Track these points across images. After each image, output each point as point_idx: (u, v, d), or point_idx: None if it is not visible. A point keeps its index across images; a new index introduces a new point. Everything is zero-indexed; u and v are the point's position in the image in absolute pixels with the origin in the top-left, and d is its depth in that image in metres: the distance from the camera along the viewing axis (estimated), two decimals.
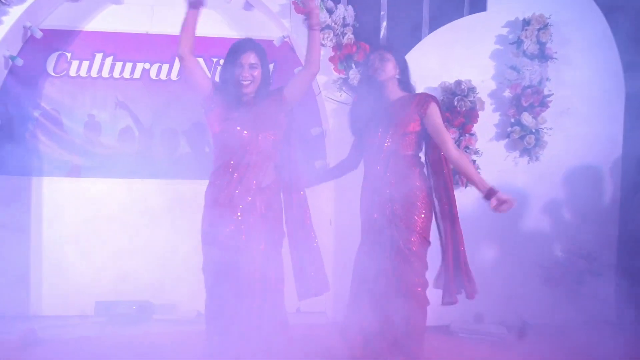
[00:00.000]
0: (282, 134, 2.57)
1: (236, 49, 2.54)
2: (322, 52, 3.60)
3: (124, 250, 3.72)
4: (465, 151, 3.51)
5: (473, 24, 3.65)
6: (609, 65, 3.71)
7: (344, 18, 3.58)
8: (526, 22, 3.56)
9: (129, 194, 3.77)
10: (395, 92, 2.66)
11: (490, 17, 3.66)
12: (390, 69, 2.64)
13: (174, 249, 3.74)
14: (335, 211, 3.75)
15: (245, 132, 2.46)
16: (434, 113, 2.58)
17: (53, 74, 3.72)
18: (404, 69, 2.69)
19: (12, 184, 3.68)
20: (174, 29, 3.66)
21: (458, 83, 3.51)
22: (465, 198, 3.50)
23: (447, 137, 2.59)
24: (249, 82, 2.49)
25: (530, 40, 3.52)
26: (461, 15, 3.81)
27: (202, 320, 3.61)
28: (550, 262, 3.67)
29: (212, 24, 3.78)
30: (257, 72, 2.52)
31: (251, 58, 2.51)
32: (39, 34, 3.60)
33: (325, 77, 3.67)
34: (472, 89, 3.51)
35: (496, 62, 3.65)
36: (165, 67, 3.80)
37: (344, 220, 3.64)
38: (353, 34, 3.61)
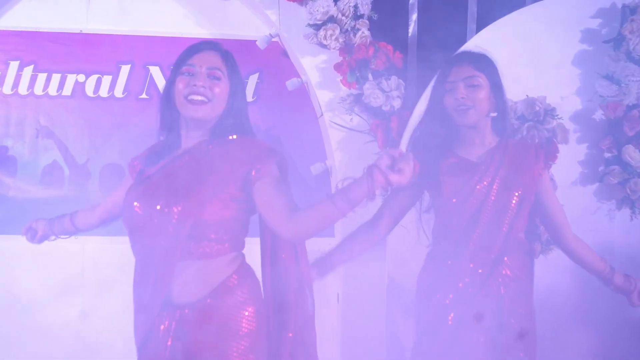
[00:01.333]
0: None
1: (187, 52, 1.69)
2: (324, 58, 2.71)
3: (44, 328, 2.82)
4: None
5: (544, 15, 2.69)
6: None
7: (355, 6, 2.60)
8: (631, 10, 2.59)
9: (57, 255, 2.83)
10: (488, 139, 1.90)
11: (570, 3, 2.69)
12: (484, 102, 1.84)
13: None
14: (343, 285, 2.80)
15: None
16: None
17: None
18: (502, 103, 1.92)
19: None
20: (119, 26, 2.84)
21: (528, 102, 2.49)
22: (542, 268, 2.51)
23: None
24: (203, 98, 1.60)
25: (637, 36, 2.54)
26: (523, 4, 2.87)
27: None
28: None
29: (171, 20, 2.92)
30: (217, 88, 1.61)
31: (212, 61, 1.63)
32: None
33: (331, 92, 2.73)
34: (550, 111, 2.51)
35: (582, 69, 2.68)
36: (107, 79, 2.91)
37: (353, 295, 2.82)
38: (369, 29, 2.64)
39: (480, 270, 1.83)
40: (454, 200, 1.83)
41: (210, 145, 1.60)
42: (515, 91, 2.53)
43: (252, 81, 2.91)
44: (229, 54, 1.68)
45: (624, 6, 2.60)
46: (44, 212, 2.78)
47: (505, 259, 1.85)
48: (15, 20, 2.85)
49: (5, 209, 2.87)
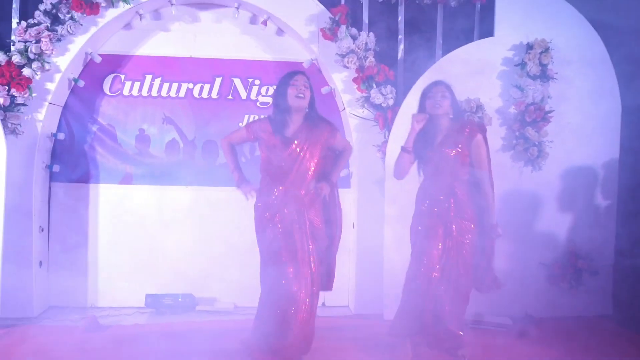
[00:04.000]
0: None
1: (292, 74, 3.26)
2: (346, 74, 4.41)
3: (170, 248, 4.50)
4: None
5: (482, 48, 4.35)
6: (605, 83, 4.39)
7: (366, 43, 4.33)
8: (529, 46, 4.26)
9: (175, 199, 4.56)
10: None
11: (497, 41, 4.36)
12: (447, 107, 3.39)
13: (214, 248, 4.53)
14: (357, 215, 4.48)
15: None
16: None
17: (109, 93, 4.53)
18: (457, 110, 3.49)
19: (73, 190, 4.50)
20: (215, 53, 4.59)
21: (468, 101, 4.22)
22: None
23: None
24: (302, 96, 3.18)
25: (533, 62, 4.22)
26: (471, 40, 4.51)
27: (239, 311, 4.40)
28: (552, 261, 4.36)
29: (247, 48, 4.58)
30: (308, 92, 3.23)
31: (304, 80, 3.22)
32: (98, 59, 4.41)
33: (350, 95, 4.43)
34: (480, 106, 4.22)
35: (502, 81, 4.35)
36: (207, 87, 4.58)
37: (366, 223, 4.41)
38: (374, 57, 4.34)
39: (441, 197, 3.39)
40: (432, 162, 3.41)
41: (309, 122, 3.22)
42: (461, 94, 4.15)
43: None
44: (308, 77, 3.25)
45: (526, 43, 4.26)
46: (167, 171, 4.55)
47: (456, 189, 3.38)
48: (150, 49, 4.52)
49: (142, 170, 4.55)
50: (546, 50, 4.25)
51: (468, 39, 4.54)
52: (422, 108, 3.46)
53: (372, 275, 4.34)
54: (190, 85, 4.57)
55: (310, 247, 3.19)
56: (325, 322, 4.11)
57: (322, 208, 3.32)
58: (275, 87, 3.37)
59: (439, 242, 3.37)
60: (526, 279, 4.37)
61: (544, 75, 4.26)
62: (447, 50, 4.48)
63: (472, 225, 3.40)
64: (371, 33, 4.37)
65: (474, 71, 4.30)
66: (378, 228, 4.30)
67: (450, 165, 3.37)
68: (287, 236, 3.15)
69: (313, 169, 3.20)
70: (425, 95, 3.44)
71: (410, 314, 3.42)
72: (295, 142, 3.17)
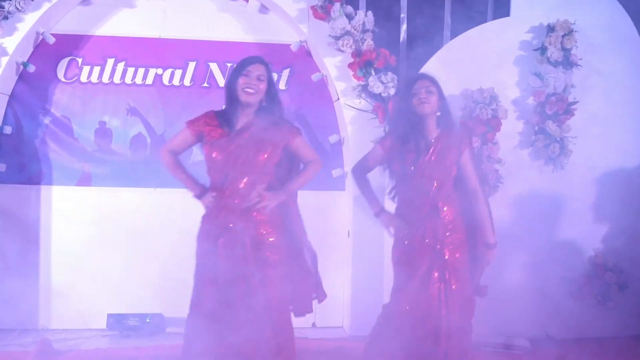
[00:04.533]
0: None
1: (246, 62, 2.73)
2: (340, 59, 3.93)
3: (136, 261, 3.99)
4: (488, 160, 3.80)
5: (496, 30, 3.96)
6: (636, 72, 4.01)
7: (363, 24, 3.85)
8: (550, 28, 3.88)
9: (142, 203, 4.05)
10: (432, 132, 2.89)
11: (513, 22, 3.97)
12: (434, 103, 2.86)
13: (187, 261, 3.93)
14: (353, 221, 4.00)
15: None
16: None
17: (64, 79, 4.00)
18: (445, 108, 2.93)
19: (21, 193, 3.97)
20: (187, 33, 4.07)
21: (480, 91, 3.80)
22: (493, 206, 3.74)
23: None
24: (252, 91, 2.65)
25: (554, 46, 3.83)
26: (484, 21, 4.14)
27: None
28: (576, 274, 3.97)
29: (226, 28, 4.10)
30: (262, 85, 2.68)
31: (260, 70, 2.67)
32: (51, 40, 3.88)
33: (344, 83, 3.96)
34: (494, 97, 3.81)
35: (520, 68, 3.97)
36: (178, 72, 4.09)
37: (362, 231, 3.94)
38: (373, 40, 3.88)
39: (424, 219, 2.81)
40: (409, 169, 2.85)
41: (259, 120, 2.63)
42: (472, 83, 3.83)
43: (285, 74, 4.13)
44: (269, 65, 2.69)
45: (547, 25, 3.87)
46: (132, 171, 4.04)
47: (439, 204, 2.82)
48: (112, 28, 4.02)
49: (103, 169, 4.05)
50: (569, 32, 3.85)
51: (480, 19, 4.16)
52: (402, 109, 2.93)
53: (370, 291, 3.87)
54: (159, 71, 4.08)
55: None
56: (315, 345, 3.73)
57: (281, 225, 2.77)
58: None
59: (426, 273, 2.86)
60: (546, 295, 3.97)
61: (567, 62, 3.87)
62: (456, 32, 4.12)
63: (464, 246, 2.91)
64: (369, 12, 3.92)
65: (487, 56, 3.93)
66: (377, 236, 3.81)
67: (437, 179, 2.86)
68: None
69: (262, 166, 2.68)
70: (406, 93, 2.91)
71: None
72: (243, 136, 2.66)
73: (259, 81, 2.66)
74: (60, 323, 3.99)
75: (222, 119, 2.70)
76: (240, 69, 2.69)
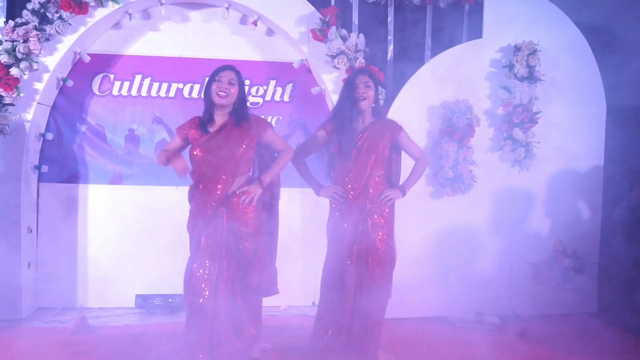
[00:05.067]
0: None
1: (218, 70, 3.07)
2: (336, 75, 4.41)
3: (161, 248, 4.45)
4: (463, 162, 4.24)
5: (470, 50, 4.37)
6: (591, 85, 4.43)
7: (356, 45, 4.33)
8: (517, 48, 4.28)
9: (165, 199, 4.52)
10: (367, 119, 3.28)
11: (485, 43, 4.39)
12: (371, 97, 3.24)
13: None
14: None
15: None
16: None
17: (98, 93, 4.48)
18: (378, 99, 3.36)
19: (62, 191, 4.45)
20: (205, 52, 4.56)
21: (457, 102, 4.24)
22: (468, 202, 4.27)
23: None
24: (224, 94, 2.96)
25: (520, 64, 4.25)
26: (460, 42, 4.52)
27: None
28: (539, 260, 4.40)
29: (238, 48, 4.55)
30: (232, 89, 2.99)
31: (230, 75, 3.00)
32: (87, 59, 4.36)
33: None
34: (469, 108, 4.23)
35: (490, 83, 4.38)
36: (197, 86, 4.56)
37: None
38: (364, 58, 4.34)
39: (351, 194, 3.19)
40: (347, 152, 3.20)
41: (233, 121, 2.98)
42: (450, 96, 4.26)
43: (288, 88, 4.62)
44: (239, 72, 3.05)
45: (514, 45, 4.27)
46: (157, 171, 4.52)
47: (370, 182, 3.18)
48: (140, 48, 4.48)
49: (132, 170, 4.52)
50: (533, 52, 4.27)
51: (457, 40, 4.56)
52: (345, 99, 3.25)
53: None
54: (180, 85, 4.55)
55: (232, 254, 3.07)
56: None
57: (258, 215, 3.09)
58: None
59: (354, 245, 3.22)
60: (514, 278, 4.41)
61: (532, 77, 4.28)
62: (436, 51, 4.51)
63: (389, 225, 3.28)
64: (361, 34, 4.37)
65: (463, 73, 4.34)
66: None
67: (370, 160, 3.22)
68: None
69: (238, 161, 3.00)
70: (348, 87, 3.25)
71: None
72: (221, 135, 2.98)
73: (230, 85, 2.98)
74: (95, 302, 4.46)
75: (203, 122, 3.05)
76: (213, 76, 3.05)
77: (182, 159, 3.02)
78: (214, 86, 3.01)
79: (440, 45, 4.53)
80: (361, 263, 3.21)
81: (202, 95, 3.15)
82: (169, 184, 4.53)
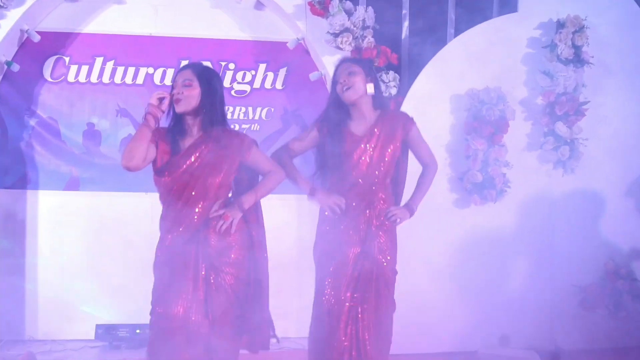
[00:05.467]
0: None
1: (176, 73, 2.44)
2: (339, 57, 3.63)
3: (126, 269, 3.71)
4: (495, 164, 3.53)
5: (502, 26, 3.68)
6: None
7: (363, 20, 3.57)
8: (560, 24, 3.60)
9: (132, 208, 3.77)
10: (369, 114, 2.59)
11: (521, 18, 3.69)
12: (359, 84, 2.53)
13: None
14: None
15: None
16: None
17: (50, 79, 3.74)
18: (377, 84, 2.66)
19: (6, 198, 3.71)
20: (180, 30, 3.80)
21: (487, 91, 3.52)
22: (500, 211, 3.61)
23: None
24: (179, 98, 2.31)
25: (564, 43, 3.55)
26: (489, 17, 3.84)
27: None
28: (586, 282, 3.70)
29: (220, 25, 3.84)
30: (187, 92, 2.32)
31: (185, 75, 2.34)
32: (36, 38, 3.61)
33: None
34: (501, 97, 3.53)
35: (528, 67, 3.69)
36: (170, 71, 3.81)
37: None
38: (373, 37, 3.60)
39: (357, 211, 2.52)
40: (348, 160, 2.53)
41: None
42: (477, 82, 3.56)
43: (281, 73, 3.87)
44: (198, 68, 2.36)
45: (556, 21, 3.59)
46: (122, 175, 3.75)
47: (377, 197, 2.54)
48: (100, 25, 3.75)
49: (91, 173, 3.78)
50: (581, 29, 3.56)
51: (486, 15, 3.85)
52: (331, 97, 2.62)
53: None
54: (150, 70, 3.81)
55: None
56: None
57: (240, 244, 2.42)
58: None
59: (351, 266, 2.56)
60: (554, 304, 3.70)
61: (578, 60, 3.58)
62: (460, 29, 3.83)
63: (390, 242, 2.62)
64: (370, 8, 3.63)
65: (493, 54, 3.63)
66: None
67: (381, 166, 2.56)
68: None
69: (217, 188, 2.36)
70: (334, 80, 2.61)
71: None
72: (190, 159, 2.33)
73: (184, 87, 2.31)
74: (47, 333, 3.73)
75: (170, 134, 2.36)
76: (173, 79, 2.40)
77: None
78: (174, 91, 2.36)
79: (465, 22, 3.85)
80: (362, 293, 2.56)
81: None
82: (138, 189, 3.75)
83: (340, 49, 3.58)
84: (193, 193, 2.33)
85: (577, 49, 3.55)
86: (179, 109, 2.32)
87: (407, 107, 3.52)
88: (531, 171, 3.67)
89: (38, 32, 3.62)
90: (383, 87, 3.56)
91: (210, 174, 2.34)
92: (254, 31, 3.84)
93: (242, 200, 2.41)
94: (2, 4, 3.38)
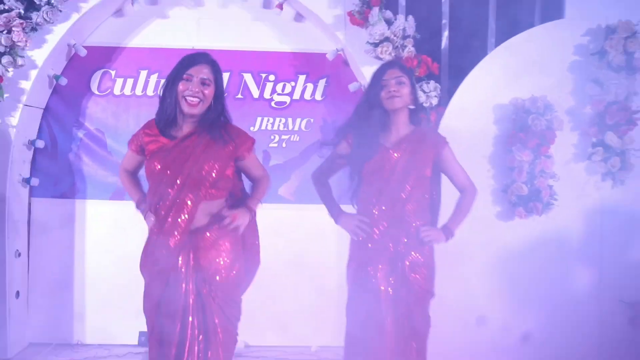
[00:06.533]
0: None
1: (186, 63, 2.13)
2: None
3: None
4: (541, 176, 3.24)
5: (548, 33, 3.36)
6: None
7: (403, 29, 3.34)
8: (611, 30, 3.26)
9: None
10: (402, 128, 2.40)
11: (568, 24, 3.37)
12: (406, 95, 2.36)
13: None
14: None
15: None
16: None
17: (97, 92, 3.65)
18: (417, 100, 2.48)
19: (56, 208, 3.64)
20: (221, 43, 3.65)
21: (533, 100, 3.23)
22: (546, 225, 3.32)
23: None
24: (196, 100, 2.08)
25: (615, 50, 3.21)
26: (531, 25, 3.53)
27: (250, 352, 3.56)
28: (637, 299, 3.34)
29: (260, 37, 3.66)
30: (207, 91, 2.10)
31: (204, 72, 2.09)
32: (83, 52, 3.52)
33: None
34: (548, 106, 3.23)
35: (575, 75, 3.36)
36: None
37: None
38: (414, 46, 3.36)
39: (387, 226, 2.33)
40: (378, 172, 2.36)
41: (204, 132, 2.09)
42: (524, 91, 3.27)
43: (321, 84, 3.67)
44: (215, 65, 2.12)
45: (606, 26, 3.26)
46: None
47: (408, 220, 2.33)
48: (145, 39, 3.63)
49: None
50: (633, 34, 3.22)
51: (528, 22, 3.55)
52: (370, 102, 2.39)
53: None
54: None
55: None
56: None
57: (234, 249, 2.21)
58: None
59: (383, 284, 2.35)
60: (604, 322, 3.36)
61: (630, 67, 3.23)
62: (502, 37, 3.52)
63: (424, 259, 2.39)
64: (410, 16, 3.38)
65: (538, 63, 3.32)
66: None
67: (409, 180, 2.35)
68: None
69: (211, 188, 2.15)
70: (375, 85, 2.39)
71: None
72: (186, 145, 2.11)
73: (203, 86, 2.06)
74: (94, 338, 3.65)
75: (162, 125, 2.16)
76: (180, 71, 2.10)
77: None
78: (180, 86, 2.09)
79: (507, 29, 3.53)
80: (394, 310, 2.35)
81: (160, 93, 2.21)
82: None
83: (380, 58, 3.33)
84: (184, 185, 2.10)
85: (629, 55, 3.21)
86: (194, 110, 2.07)
87: (448, 117, 3.29)
88: (579, 183, 3.34)
89: (85, 47, 3.54)
90: (424, 97, 3.34)
91: (204, 165, 2.10)
92: (293, 43, 3.66)
93: (249, 203, 2.23)
94: (47, 19, 3.29)
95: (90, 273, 3.65)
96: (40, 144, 3.56)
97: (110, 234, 3.65)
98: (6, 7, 3.26)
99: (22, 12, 3.27)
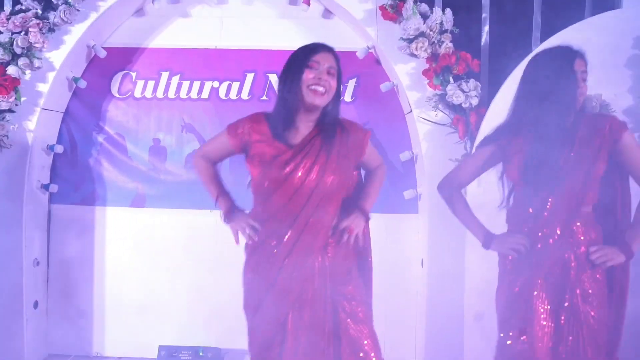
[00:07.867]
0: None
1: (311, 50, 1.86)
2: (414, 65, 3.05)
3: (192, 288, 3.27)
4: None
5: (602, 26, 2.88)
6: None
7: (441, 23, 2.93)
8: None
9: (198, 227, 3.29)
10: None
11: (624, 15, 2.90)
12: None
13: None
14: (428, 249, 3.10)
15: None
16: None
17: (117, 95, 3.33)
18: None
19: (75, 215, 3.34)
20: (245, 42, 3.28)
21: (588, 99, 2.76)
22: None
23: None
24: (323, 89, 1.78)
25: None
26: (581, 17, 3.07)
27: None
28: None
29: (287, 35, 3.26)
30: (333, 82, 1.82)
31: (330, 60, 1.82)
32: (102, 53, 3.22)
33: (418, 93, 3.04)
34: (605, 105, 2.77)
35: (633, 71, 2.88)
36: (236, 85, 3.31)
37: (439, 259, 3.03)
38: (452, 42, 2.95)
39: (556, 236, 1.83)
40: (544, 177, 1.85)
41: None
42: None
43: (351, 84, 3.27)
44: (337, 55, 1.88)
45: None
46: (186, 192, 3.33)
47: (578, 236, 1.84)
48: (166, 39, 3.31)
49: (157, 189, 3.34)
50: None
51: (578, 15, 3.09)
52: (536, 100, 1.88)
53: (447, 325, 2.97)
54: (216, 84, 3.31)
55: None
56: None
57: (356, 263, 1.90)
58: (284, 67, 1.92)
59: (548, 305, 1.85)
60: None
61: None
62: (549, 31, 3.06)
63: (599, 276, 1.86)
64: (447, 9, 2.97)
65: (592, 58, 2.73)
66: (456, 265, 2.93)
67: (575, 193, 1.83)
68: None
69: (336, 201, 1.82)
70: (568, 75, 1.95)
71: None
72: (307, 153, 1.80)
73: (329, 76, 1.78)
74: (114, 351, 3.33)
75: (276, 127, 1.82)
76: (304, 58, 1.81)
77: (246, 217, 1.91)
78: (305, 75, 1.79)
79: (554, 22, 3.07)
80: (565, 347, 1.85)
81: (277, 90, 1.89)
82: (203, 207, 3.25)
83: (415, 56, 2.96)
84: (308, 199, 1.78)
85: None
86: (320, 100, 1.77)
87: (490, 120, 2.86)
88: (636, 192, 2.88)
89: (105, 48, 3.23)
90: (463, 97, 2.92)
91: (332, 174, 1.79)
92: (322, 40, 3.19)
93: (364, 206, 1.88)
94: (65, 20, 3.00)
95: (110, 284, 3.34)
96: (59, 149, 3.26)
97: (130, 242, 3.33)
98: (23, 7, 3.00)
99: (40, 12, 2.99)
